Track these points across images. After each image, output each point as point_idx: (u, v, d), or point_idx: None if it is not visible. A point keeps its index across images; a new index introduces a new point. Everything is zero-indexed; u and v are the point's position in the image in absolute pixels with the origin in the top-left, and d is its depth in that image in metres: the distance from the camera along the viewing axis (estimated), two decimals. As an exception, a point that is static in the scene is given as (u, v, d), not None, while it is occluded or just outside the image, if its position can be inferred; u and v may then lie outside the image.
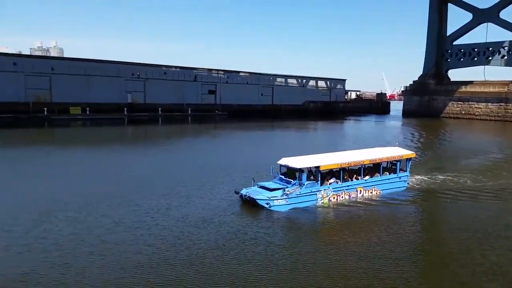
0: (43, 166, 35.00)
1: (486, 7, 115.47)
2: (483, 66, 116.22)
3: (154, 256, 16.57)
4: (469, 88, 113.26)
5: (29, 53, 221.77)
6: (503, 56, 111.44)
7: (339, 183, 25.50)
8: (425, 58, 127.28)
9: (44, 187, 27.16)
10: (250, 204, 23.23)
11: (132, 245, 17.58)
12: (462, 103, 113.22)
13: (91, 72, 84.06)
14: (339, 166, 25.36)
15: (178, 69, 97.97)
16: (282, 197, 23.12)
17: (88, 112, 78.65)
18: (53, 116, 74.42)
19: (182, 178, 29.91)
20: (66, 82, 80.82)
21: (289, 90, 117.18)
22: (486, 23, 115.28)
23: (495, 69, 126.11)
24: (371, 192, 26.94)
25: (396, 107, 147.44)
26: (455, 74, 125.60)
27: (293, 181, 24.04)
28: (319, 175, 24.48)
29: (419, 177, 32.05)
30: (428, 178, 32.10)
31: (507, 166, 39.26)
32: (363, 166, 26.91)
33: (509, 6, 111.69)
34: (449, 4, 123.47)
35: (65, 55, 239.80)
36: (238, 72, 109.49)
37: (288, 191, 23.34)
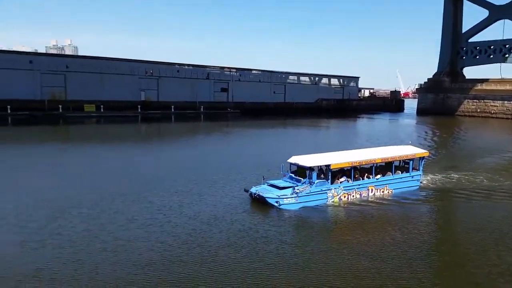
0: (58, 163, 35.42)
1: (503, 3, 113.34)
2: (499, 63, 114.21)
3: (167, 253, 16.65)
4: (484, 86, 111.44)
5: (44, 51, 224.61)
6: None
7: (350, 182, 25.28)
8: (440, 55, 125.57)
9: (58, 183, 27.47)
10: (260, 202, 23.18)
11: (144, 242, 17.69)
12: (477, 101, 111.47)
13: (105, 70, 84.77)
14: (350, 165, 25.13)
15: (191, 67, 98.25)
16: (292, 196, 23.01)
17: (102, 110, 79.34)
18: (68, 113, 75.26)
19: (194, 176, 29.98)
20: (80, 80, 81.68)
21: (301, 88, 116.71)
22: (503, 20, 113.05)
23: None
24: (383, 191, 26.65)
25: (411, 105, 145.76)
26: (470, 72, 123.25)
27: (303, 180, 23.91)
28: (330, 174, 24.29)
29: (432, 176, 31.63)
30: (441, 177, 31.66)
31: (524, 166, 38.53)
32: (375, 165, 26.63)
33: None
34: (465, 1, 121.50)
35: (80, 53, 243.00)
36: (251, 70, 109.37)
37: (298, 189, 23.22)
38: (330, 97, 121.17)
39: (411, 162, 28.05)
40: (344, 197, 24.90)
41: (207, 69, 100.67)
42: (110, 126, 69.78)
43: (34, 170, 31.81)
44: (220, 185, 27.60)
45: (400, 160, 28.31)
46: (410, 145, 31.04)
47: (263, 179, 25.10)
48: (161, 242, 17.79)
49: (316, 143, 52.67)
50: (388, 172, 27.36)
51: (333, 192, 24.40)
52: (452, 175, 32.45)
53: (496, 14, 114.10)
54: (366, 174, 26.34)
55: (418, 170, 28.75)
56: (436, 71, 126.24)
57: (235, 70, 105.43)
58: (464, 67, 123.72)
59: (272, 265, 15.82)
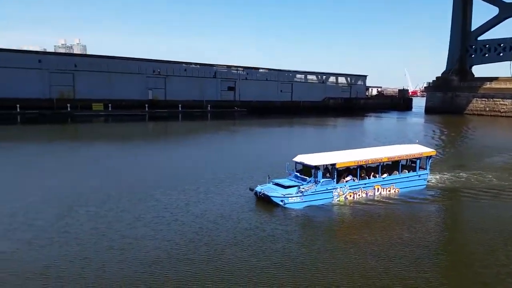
0: (66, 161, 35.65)
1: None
2: (509, 61, 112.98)
3: (173, 251, 16.70)
4: (494, 85, 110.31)
5: (53, 51, 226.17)
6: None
7: (356, 180, 25.16)
8: (448, 54, 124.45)
9: (66, 182, 27.63)
10: (265, 201, 23.15)
11: (151, 240, 17.75)
12: (486, 99, 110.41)
13: (113, 69, 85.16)
14: (356, 164, 24.99)
15: (198, 66, 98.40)
16: (297, 195, 22.96)
17: (110, 109, 79.75)
18: (76, 112, 75.76)
19: (201, 174, 30.03)
20: (89, 78, 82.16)
21: (308, 87, 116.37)
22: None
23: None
24: (389, 191, 26.48)
25: (419, 103, 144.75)
26: (479, 70, 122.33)
27: (308, 179, 23.82)
28: (335, 173, 24.18)
29: (440, 175, 31.39)
30: (449, 176, 31.41)
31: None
32: (381, 164, 26.47)
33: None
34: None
35: (88, 52, 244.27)
36: (258, 68, 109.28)
37: (303, 188, 23.16)
38: (338, 96, 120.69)
39: (418, 161, 27.85)
40: (350, 196, 24.79)
41: (214, 67, 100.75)
42: (118, 124, 70.15)
43: (42, 168, 32.04)
44: (227, 184, 27.62)
45: (407, 159, 28.11)
46: (417, 144, 30.82)
47: (268, 178, 25.06)
48: (168, 240, 17.84)
49: (322, 142, 52.49)
50: (395, 171, 27.19)
51: (338, 191, 24.30)
52: (460, 174, 32.19)
53: (506, 11, 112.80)
54: (373, 173, 26.20)
55: (425, 169, 28.54)
56: (444, 69, 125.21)
57: (242, 68, 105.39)
58: (473, 65, 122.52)
59: (278, 264, 15.80)
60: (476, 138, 63.11)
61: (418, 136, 51.72)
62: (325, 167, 24.59)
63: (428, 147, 31.54)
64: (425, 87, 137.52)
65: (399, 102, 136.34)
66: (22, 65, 75.30)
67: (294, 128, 74.23)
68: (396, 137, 56.15)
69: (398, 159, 27.14)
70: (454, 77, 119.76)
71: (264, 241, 18.03)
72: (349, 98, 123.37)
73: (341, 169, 24.76)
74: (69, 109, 75.59)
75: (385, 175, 26.53)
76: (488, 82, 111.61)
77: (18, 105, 70.38)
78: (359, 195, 25.17)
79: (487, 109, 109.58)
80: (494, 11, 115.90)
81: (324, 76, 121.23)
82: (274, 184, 24.24)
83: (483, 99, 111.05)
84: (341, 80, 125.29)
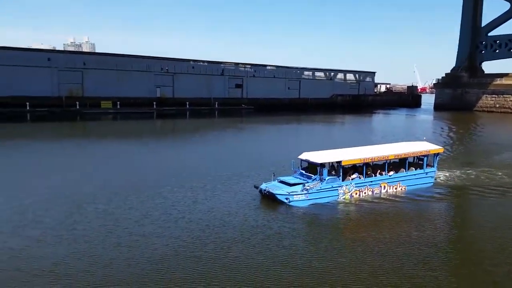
0: (75, 158, 35.87)
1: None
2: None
3: (180, 249, 16.73)
4: (504, 81, 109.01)
5: (62, 49, 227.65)
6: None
7: (362, 178, 24.98)
8: (458, 50, 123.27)
9: (75, 179, 27.81)
10: (270, 199, 23.10)
11: (159, 238, 17.81)
12: (496, 96, 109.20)
13: (121, 67, 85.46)
14: (362, 161, 24.77)
15: (206, 63, 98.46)
16: (302, 192, 22.85)
17: (118, 106, 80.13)
18: (85, 110, 76.18)
19: (208, 172, 30.07)
20: (97, 76, 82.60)
21: (316, 84, 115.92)
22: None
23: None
24: (396, 188, 26.28)
25: (428, 100, 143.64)
26: (489, 66, 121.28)
27: (313, 176, 23.68)
28: (341, 170, 24.03)
29: (447, 172, 31.10)
30: (457, 173, 31.09)
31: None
32: (388, 161, 26.24)
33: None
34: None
35: (97, 50, 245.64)
36: (265, 65, 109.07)
37: (308, 186, 23.03)
38: (346, 93, 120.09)
39: (425, 159, 27.58)
40: (356, 194, 24.63)
41: (222, 65, 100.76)
42: (126, 122, 70.52)
43: (51, 166, 32.27)
44: (234, 181, 27.62)
45: (414, 157, 27.86)
46: (425, 141, 30.55)
47: (273, 175, 25.00)
48: (175, 237, 17.89)
49: (330, 139, 52.27)
50: (402, 169, 26.95)
51: (344, 189, 24.14)
52: (469, 171, 31.88)
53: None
54: (379, 171, 26.01)
55: (433, 166, 28.27)
56: (454, 65, 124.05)
57: (249, 66, 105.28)
58: (483, 61, 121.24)
59: (285, 262, 15.76)
60: (485, 135, 62.45)
61: (427, 133, 51.33)
62: (330, 164, 24.45)
63: (436, 144, 31.27)
64: (434, 83, 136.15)
65: (408, 99, 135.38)
66: (32, 63, 75.87)
67: (301, 126, 74.04)
68: (404, 134, 55.74)
69: (405, 156, 26.90)
70: (463, 73, 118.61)
71: (271, 239, 18.01)
72: (357, 95, 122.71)
73: (347, 166, 24.61)
74: (78, 107, 76.04)
75: (391, 172, 26.34)
76: (499, 78, 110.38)
77: (27, 103, 71.00)
78: (365, 193, 24.99)
79: (497, 105, 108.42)
80: (505, 6, 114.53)
81: (332, 73, 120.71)
82: (279, 182, 24.13)
83: (493, 95, 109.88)
84: (349, 76, 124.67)
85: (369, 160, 25.15)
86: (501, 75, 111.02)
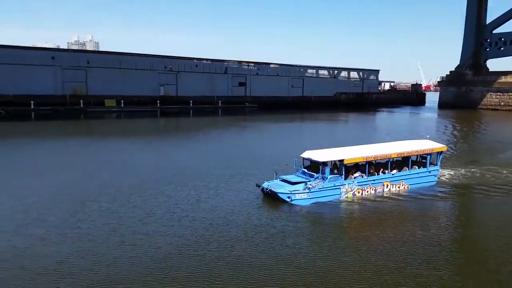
0: (78, 157, 35.97)
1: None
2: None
3: (184, 247, 16.73)
4: (509, 79, 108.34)
5: (66, 47, 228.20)
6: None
7: (365, 177, 24.88)
8: (462, 47, 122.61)
9: (78, 177, 27.88)
10: (272, 197, 23.05)
11: (162, 236, 17.82)
12: (501, 94, 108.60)
13: (125, 65, 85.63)
14: (365, 160, 24.66)
15: (209, 62, 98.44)
16: (304, 191, 22.78)
17: (122, 105, 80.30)
18: (89, 108, 76.42)
19: (211, 170, 30.06)
20: (101, 75, 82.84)
21: (320, 82, 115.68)
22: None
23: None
24: (399, 187, 26.17)
25: (432, 98, 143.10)
26: (494, 64, 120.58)
27: (316, 175, 23.61)
28: (343, 169, 23.94)
29: (451, 171, 30.92)
30: (460, 172, 30.90)
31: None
32: (391, 160, 26.13)
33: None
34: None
35: (101, 49, 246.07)
36: (269, 64, 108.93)
37: (310, 185, 22.95)
38: (349, 91, 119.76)
39: (428, 157, 27.41)
40: (358, 192, 24.54)
41: (225, 63, 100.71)
42: (130, 120, 70.66)
43: (55, 164, 32.37)
44: (237, 180, 27.60)
45: (417, 155, 27.71)
46: (428, 139, 30.38)
47: (276, 174, 24.95)
48: (178, 236, 17.89)
49: (333, 138, 52.20)
50: (405, 167, 26.81)
51: (346, 187, 24.05)
52: (473, 169, 31.69)
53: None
54: (382, 169, 25.90)
55: (436, 165, 28.13)
56: (458, 63, 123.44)
57: (253, 64, 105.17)
58: (488, 59, 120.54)
59: (289, 261, 15.73)
60: (490, 133, 62.16)
61: (430, 131, 51.05)
62: (333, 163, 24.35)
63: (440, 143, 31.11)
64: (438, 81, 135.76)
65: (412, 97, 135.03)
66: (36, 62, 76.23)
67: (305, 124, 73.93)
68: (408, 132, 55.58)
69: (408, 155, 26.74)
70: (468, 71, 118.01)
71: (274, 237, 17.98)
72: (361, 93, 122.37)
73: (349, 165, 24.52)
74: (82, 105, 76.31)
75: (394, 171, 26.20)
76: (503, 76, 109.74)
77: (32, 102, 71.31)
78: (367, 191, 24.89)
79: (502, 103, 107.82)
80: (510, 3, 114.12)
81: (335, 71, 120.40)
82: (281, 181, 24.06)
83: (498, 93, 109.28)
84: (353, 74, 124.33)
85: (372, 159, 25.04)
86: (505, 73, 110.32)
